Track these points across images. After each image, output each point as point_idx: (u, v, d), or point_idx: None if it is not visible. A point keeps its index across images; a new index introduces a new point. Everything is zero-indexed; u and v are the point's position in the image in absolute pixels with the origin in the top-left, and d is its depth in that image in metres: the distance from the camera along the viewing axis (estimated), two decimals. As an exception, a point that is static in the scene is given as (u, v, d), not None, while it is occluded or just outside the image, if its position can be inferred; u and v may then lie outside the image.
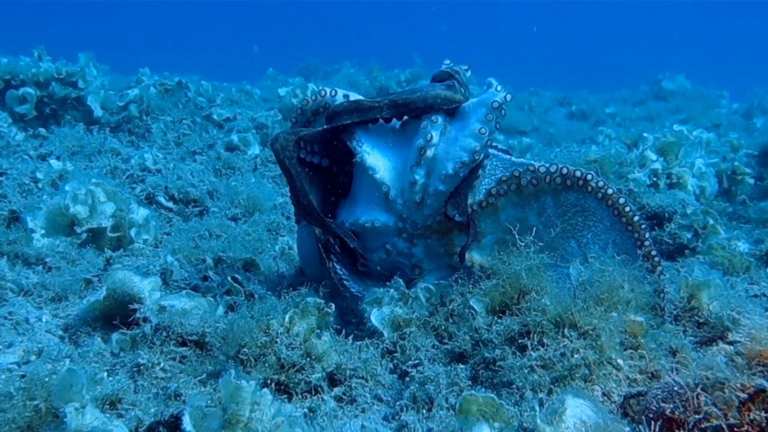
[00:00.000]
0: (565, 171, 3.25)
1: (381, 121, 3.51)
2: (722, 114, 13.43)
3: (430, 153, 3.39)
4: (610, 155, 5.48)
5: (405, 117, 3.51)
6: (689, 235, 5.06)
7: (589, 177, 3.24)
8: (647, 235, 3.29)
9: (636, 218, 3.27)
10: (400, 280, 3.41)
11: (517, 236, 3.17)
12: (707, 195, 6.09)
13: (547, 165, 3.32)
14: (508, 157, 3.50)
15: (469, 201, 3.42)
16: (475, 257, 3.42)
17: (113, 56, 13.39)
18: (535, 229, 3.29)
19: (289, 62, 19.49)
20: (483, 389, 2.76)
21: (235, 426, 2.15)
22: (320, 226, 3.55)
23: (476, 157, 3.35)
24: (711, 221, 5.07)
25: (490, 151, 3.48)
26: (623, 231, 3.28)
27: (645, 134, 6.15)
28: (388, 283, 3.40)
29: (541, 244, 3.17)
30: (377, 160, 3.50)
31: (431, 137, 3.38)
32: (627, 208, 3.25)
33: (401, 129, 3.56)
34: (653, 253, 3.29)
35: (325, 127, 3.57)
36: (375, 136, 3.55)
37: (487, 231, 3.42)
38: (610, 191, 3.25)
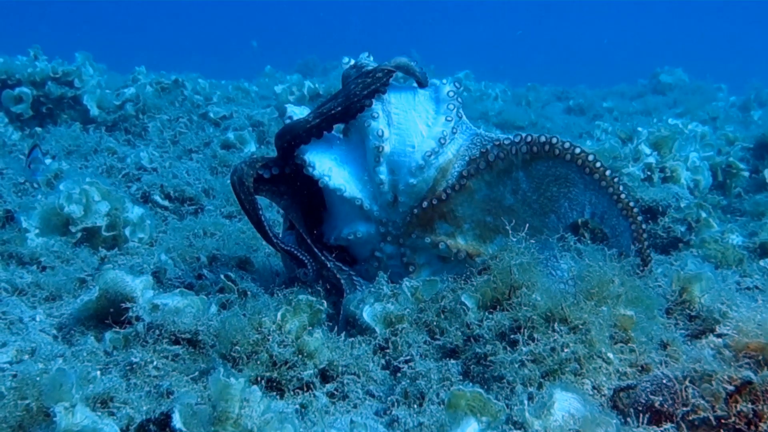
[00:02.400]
0: (529, 139, 3.24)
1: (325, 133, 3.49)
2: (719, 107, 13.41)
3: (387, 148, 3.39)
4: (605, 150, 5.50)
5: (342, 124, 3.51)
6: (683, 229, 5.07)
7: (554, 140, 3.22)
8: (622, 188, 3.26)
9: (608, 172, 3.23)
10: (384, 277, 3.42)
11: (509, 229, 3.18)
12: (701, 188, 6.10)
13: (512, 136, 3.31)
14: (477, 130, 3.50)
15: (443, 186, 3.41)
16: (460, 244, 3.42)
17: (110, 55, 13.41)
18: (513, 206, 3.30)
19: (287, 59, 19.50)
20: (474, 384, 2.78)
21: (224, 423, 2.16)
22: (279, 251, 3.59)
23: (443, 143, 3.36)
24: (704, 215, 5.08)
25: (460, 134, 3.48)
26: (598, 188, 3.26)
27: (639, 128, 6.16)
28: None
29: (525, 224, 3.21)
30: (339, 178, 3.45)
31: (382, 132, 3.37)
32: (598, 164, 3.22)
33: (346, 137, 3.55)
34: (631, 204, 3.26)
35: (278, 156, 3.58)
36: (327, 153, 3.51)
37: (466, 215, 3.41)
38: (577, 150, 3.22)
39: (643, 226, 3.30)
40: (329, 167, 3.45)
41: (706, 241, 4.82)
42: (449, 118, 3.38)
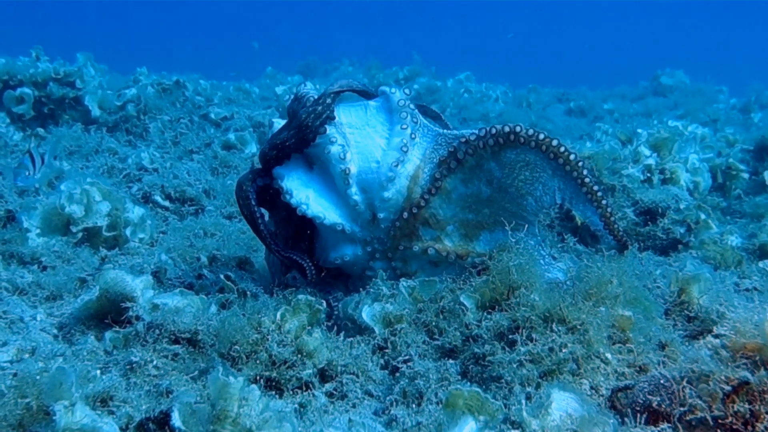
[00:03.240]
0: (494, 131, 3.21)
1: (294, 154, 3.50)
2: (720, 109, 13.41)
3: (353, 169, 3.38)
4: (604, 151, 5.50)
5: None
6: (682, 230, 5.08)
7: (518, 129, 3.19)
8: (586, 172, 3.23)
9: (572, 156, 3.21)
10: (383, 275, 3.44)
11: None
12: (701, 190, 6.11)
13: (476, 131, 3.30)
14: (440, 130, 3.47)
15: (418, 193, 3.40)
16: (447, 246, 3.42)
17: (112, 56, 13.42)
18: (492, 197, 3.31)
19: (289, 61, 19.54)
20: (472, 384, 2.79)
21: (223, 421, 2.17)
22: (283, 260, 3.59)
23: (405, 150, 3.36)
24: (704, 216, 5.09)
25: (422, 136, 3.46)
26: (564, 174, 3.24)
27: (639, 130, 6.17)
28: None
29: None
30: (317, 205, 3.43)
31: (343, 155, 3.36)
32: (562, 149, 3.19)
33: (310, 167, 3.52)
34: (595, 188, 3.24)
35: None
36: (304, 179, 3.49)
37: (447, 217, 3.41)
38: (541, 136, 3.20)
39: (609, 209, 3.27)
40: (306, 195, 3.43)
41: (705, 243, 4.83)
42: (404, 126, 3.37)
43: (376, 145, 3.41)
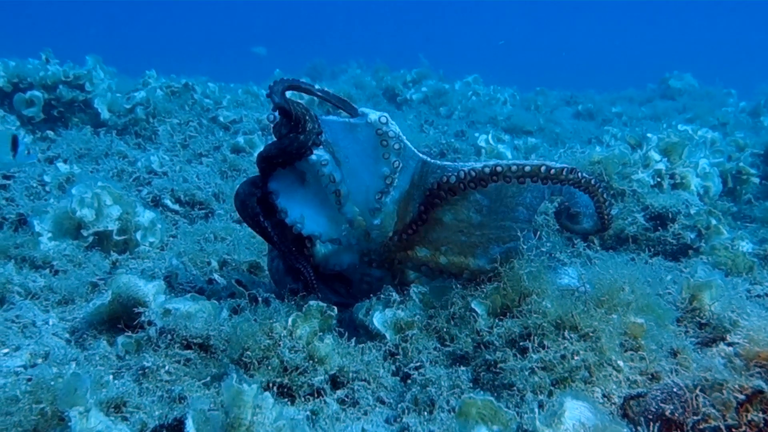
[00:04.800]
0: (473, 174, 3.12)
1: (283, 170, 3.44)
2: (729, 113, 13.36)
3: (344, 189, 3.36)
4: (614, 156, 5.48)
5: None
6: (693, 236, 5.06)
7: (499, 169, 3.10)
8: (581, 175, 3.14)
9: (564, 172, 3.09)
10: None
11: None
12: (711, 195, 6.08)
13: (457, 172, 3.19)
14: (424, 158, 3.36)
15: (410, 217, 3.37)
16: (441, 263, 3.36)
17: (121, 59, 13.45)
18: (483, 222, 3.30)
19: (297, 63, 19.55)
20: (483, 392, 2.79)
21: (237, 429, 2.18)
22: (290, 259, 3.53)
23: (390, 182, 3.33)
24: (714, 221, 5.06)
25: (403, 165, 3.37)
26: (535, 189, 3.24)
27: (649, 135, 6.14)
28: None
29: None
30: (312, 224, 3.42)
31: (334, 178, 3.32)
32: (552, 171, 3.08)
33: (302, 181, 3.48)
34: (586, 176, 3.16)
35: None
36: (298, 196, 3.47)
37: (441, 238, 3.36)
38: (527, 169, 3.08)
39: (594, 181, 3.17)
40: (301, 215, 3.41)
41: (716, 248, 4.80)
42: (386, 156, 3.30)
43: (365, 166, 3.36)
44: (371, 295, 3.42)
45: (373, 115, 3.32)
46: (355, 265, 3.52)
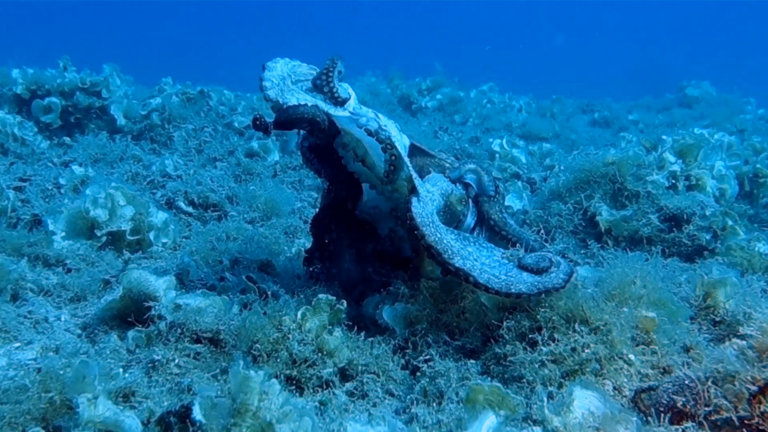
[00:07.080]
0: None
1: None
2: (747, 120, 13.24)
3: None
4: (628, 157, 5.43)
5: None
6: (708, 237, 5.01)
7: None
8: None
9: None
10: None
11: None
12: (728, 197, 6.00)
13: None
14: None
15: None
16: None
17: (138, 67, 13.55)
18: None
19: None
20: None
21: (244, 415, 2.17)
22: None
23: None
24: (730, 222, 5.01)
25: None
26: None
27: (664, 137, 6.09)
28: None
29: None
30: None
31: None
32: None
33: None
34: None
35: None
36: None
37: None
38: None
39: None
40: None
41: (732, 249, 4.74)
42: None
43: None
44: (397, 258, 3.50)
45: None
46: (386, 215, 3.53)
